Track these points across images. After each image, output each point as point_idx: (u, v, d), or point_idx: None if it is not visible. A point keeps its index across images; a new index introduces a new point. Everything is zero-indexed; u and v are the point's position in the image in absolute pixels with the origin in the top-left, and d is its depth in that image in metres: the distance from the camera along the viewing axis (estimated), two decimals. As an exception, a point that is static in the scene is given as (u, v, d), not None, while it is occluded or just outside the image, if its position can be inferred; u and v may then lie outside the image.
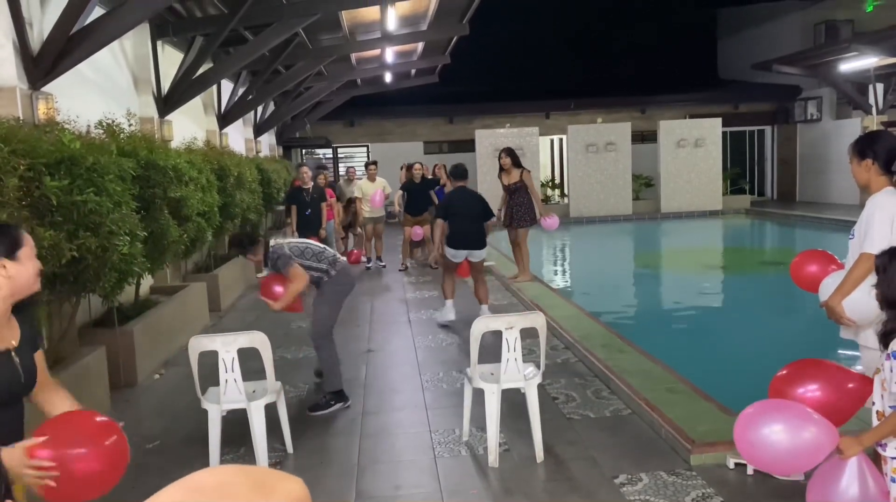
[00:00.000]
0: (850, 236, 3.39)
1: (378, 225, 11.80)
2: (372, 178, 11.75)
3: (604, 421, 4.67)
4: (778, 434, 2.60)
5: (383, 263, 11.97)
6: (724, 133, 19.42)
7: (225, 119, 11.95)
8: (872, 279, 3.17)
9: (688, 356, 6.29)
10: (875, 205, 3.22)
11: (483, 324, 4.15)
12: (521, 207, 9.11)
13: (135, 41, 8.22)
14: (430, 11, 11.43)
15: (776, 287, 10.14)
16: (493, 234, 9.02)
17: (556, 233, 17.31)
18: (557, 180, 21.48)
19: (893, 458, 2.49)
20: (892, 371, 2.42)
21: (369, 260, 12.03)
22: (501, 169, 9.26)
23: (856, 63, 16.01)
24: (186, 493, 0.76)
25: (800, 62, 17.87)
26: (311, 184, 10.24)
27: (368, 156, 21.13)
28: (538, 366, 4.28)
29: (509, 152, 9.17)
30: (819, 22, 20.04)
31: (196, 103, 10.51)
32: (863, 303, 3.14)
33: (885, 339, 2.51)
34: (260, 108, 15.09)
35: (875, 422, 2.56)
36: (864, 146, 3.29)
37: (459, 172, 7.73)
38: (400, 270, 11.35)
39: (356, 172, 13.16)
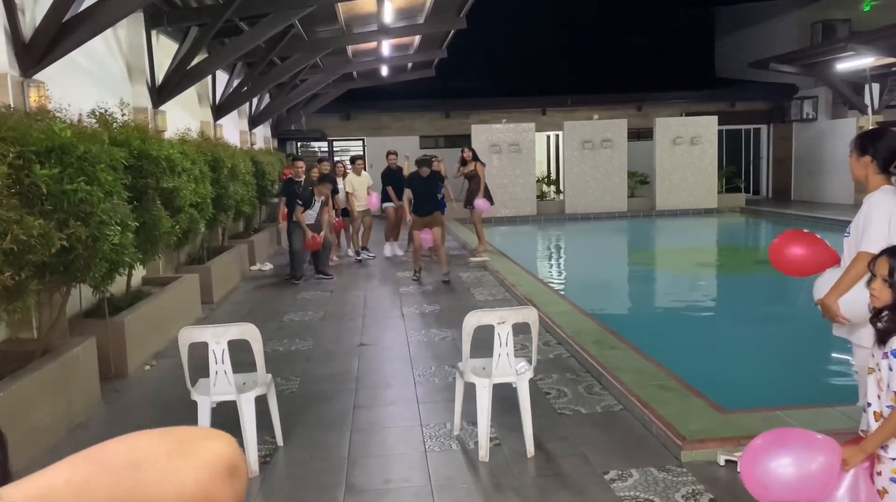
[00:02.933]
0: (846, 234, 3.38)
1: (367, 217, 12.11)
2: (358, 172, 12.06)
3: (595, 417, 4.66)
4: (787, 467, 2.46)
5: (372, 254, 12.13)
6: (720, 131, 19.43)
7: (219, 110, 11.89)
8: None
9: (680, 353, 6.29)
10: (872, 203, 3.20)
11: (475, 319, 4.14)
12: (477, 192, 11.71)
13: (129, 30, 8.16)
14: (427, 4, 11.38)
15: (769, 285, 10.15)
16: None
17: (551, 229, 17.39)
18: (553, 176, 21.47)
19: (894, 459, 2.42)
20: (891, 369, 2.38)
21: (358, 253, 12.11)
22: (464, 162, 11.90)
23: (852, 63, 16.02)
24: (90, 466, 0.66)
25: (796, 61, 17.88)
26: (303, 177, 10.41)
27: (364, 151, 21.07)
28: (530, 362, 4.27)
29: (472, 148, 12.33)
30: (816, 21, 20.04)
31: (190, 94, 10.44)
32: (859, 301, 3.13)
33: (883, 337, 2.45)
34: (255, 100, 15.02)
35: (872, 423, 2.49)
36: (866, 142, 3.26)
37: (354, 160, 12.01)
38: (414, 279, 9.85)
39: (343, 167, 13.16)
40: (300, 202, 9.95)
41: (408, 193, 9.92)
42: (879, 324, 2.48)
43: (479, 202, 11.63)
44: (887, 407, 2.42)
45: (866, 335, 3.23)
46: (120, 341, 5.81)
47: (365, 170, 12.47)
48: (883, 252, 2.58)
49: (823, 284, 3.31)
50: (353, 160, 12.73)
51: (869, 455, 2.45)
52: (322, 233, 10.18)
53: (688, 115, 20.51)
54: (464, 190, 12.05)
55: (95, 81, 7.20)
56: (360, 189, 11.94)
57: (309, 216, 10.03)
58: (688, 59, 25.32)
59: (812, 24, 20.12)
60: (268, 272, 11.23)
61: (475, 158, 11.91)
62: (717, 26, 25.84)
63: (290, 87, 15.03)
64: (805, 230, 3.87)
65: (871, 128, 13.12)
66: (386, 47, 14.10)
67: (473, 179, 11.77)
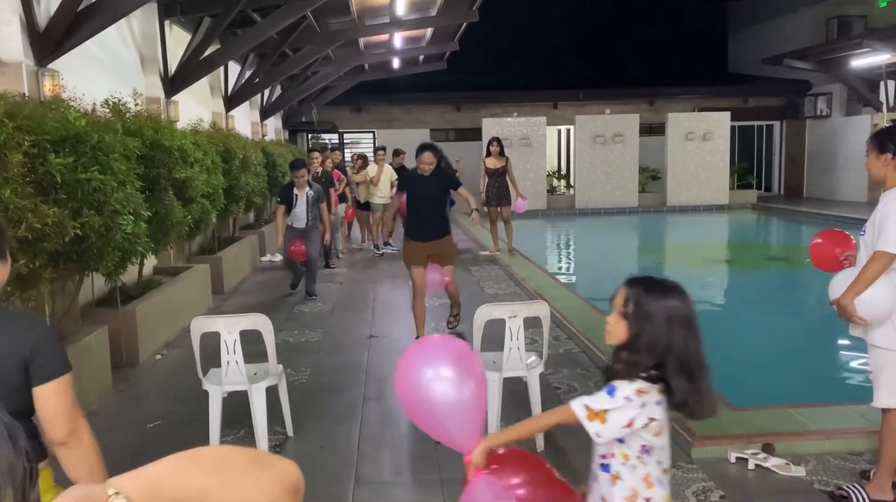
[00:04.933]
0: (862, 233, 3.34)
1: (387, 212, 11.77)
2: (380, 164, 11.79)
3: (605, 412, 4.64)
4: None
5: (395, 248, 12.04)
6: (732, 127, 19.31)
7: (231, 101, 11.91)
8: (885, 277, 3.13)
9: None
10: (889, 201, 3.16)
11: (486, 312, 4.13)
12: (506, 188, 10.78)
13: (142, 20, 8.17)
14: (440, -3, 11.35)
15: (781, 283, 10.11)
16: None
17: (562, 224, 17.33)
18: (564, 171, 21.41)
19: None
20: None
21: (377, 246, 12.05)
22: (489, 154, 10.88)
23: (867, 59, 15.88)
24: (187, 462, 0.84)
25: (811, 57, 17.73)
26: (320, 169, 10.31)
27: (374, 143, 21.07)
28: (540, 356, 4.26)
29: (500, 142, 10.97)
30: (831, 17, 19.86)
31: (203, 85, 10.46)
32: (875, 301, 3.10)
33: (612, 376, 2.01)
34: (267, 92, 15.03)
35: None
36: (885, 140, 3.22)
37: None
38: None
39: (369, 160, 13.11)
40: (279, 199, 8.38)
41: (396, 200, 6.83)
42: (616, 366, 2.02)
43: (521, 202, 10.76)
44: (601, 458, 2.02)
45: (882, 335, 3.21)
46: (131, 330, 5.84)
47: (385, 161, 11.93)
48: (624, 283, 2.13)
49: (839, 284, 3.28)
50: (375, 151, 12.28)
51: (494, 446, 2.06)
52: (316, 243, 8.36)
53: (700, 110, 20.39)
54: (488, 187, 10.82)
55: (109, 71, 7.22)
56: (383, 180, 11.59)
57: (296, 217, 8.26)
58: (701, 55, 25.17)
59: (827, 20, 19.94)
60: (278, 263, 11.24)
61: (502, 152, 10.90)
62: (731, 21, 25.67)
63: (301, 78, 15.03)
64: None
65: (886, 125, 12.98)
66: (398, 39, 14.07)
67: (497, 175, 10.75)
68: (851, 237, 3.73)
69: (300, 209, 8.26)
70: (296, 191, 8.23)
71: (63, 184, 4.27)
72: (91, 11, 5.71)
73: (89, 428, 1.93)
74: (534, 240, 14.62)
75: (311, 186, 8.34)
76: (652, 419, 1.93)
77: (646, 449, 1.96)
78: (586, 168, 18.75)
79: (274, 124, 17.27)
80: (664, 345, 1.92)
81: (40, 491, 1.92)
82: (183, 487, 0.80)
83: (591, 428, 1.94)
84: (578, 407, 1.95)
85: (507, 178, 10.82)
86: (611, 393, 1.94)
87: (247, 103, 13.23)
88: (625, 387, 1.93)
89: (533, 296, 7.85)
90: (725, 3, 25.44)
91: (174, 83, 8.61)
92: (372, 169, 11.79)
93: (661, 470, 1.99)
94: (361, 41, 14.00)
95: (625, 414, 1.91)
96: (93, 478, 1.85)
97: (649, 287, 2.01)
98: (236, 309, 7.84)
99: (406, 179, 6.57)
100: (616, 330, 2.02)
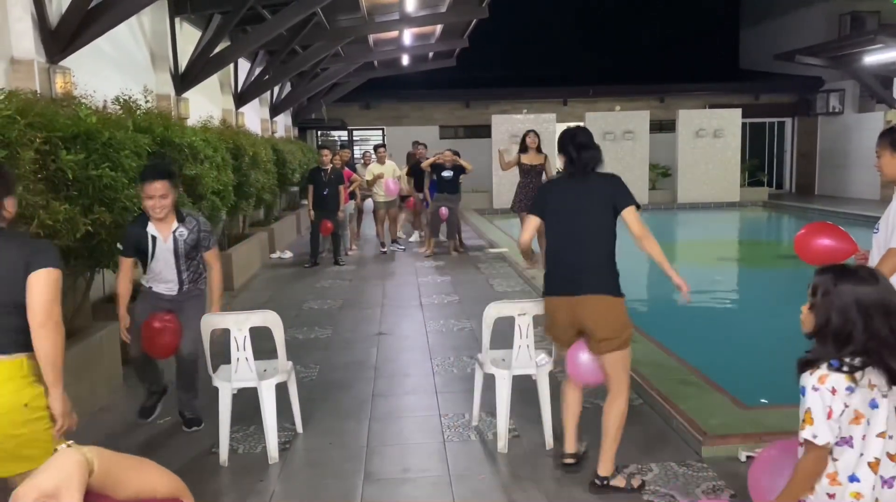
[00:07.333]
0: (875, 231, 3.31)
1: (391, 209, 11.79)
2: (382, 161, 11.68)
3: (615, 410, 4.63)
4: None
5: (402, 246, 12.04)
6: (743, 124, 19.19)
7: (241, 98, 11.94)
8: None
9: (701, 348, 6.23)
10: (903, 198, 3.12)
11: (495, 310, 4.12)
12: None
13: (153, 17, 8.21)
14: (450, -6, 11.34)
15: (792, 280, 10.03)
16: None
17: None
18: (573, 168, 21.33)
19: None
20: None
21: (383, 244, 12.03)
22: (526, 149, 9.07)
23: (881, 55, 15.74)
24: (153, 466, 1.15)
25: (823, 53, 17.59)
26: (329, 166, 10.32)
27: (384, 140, 21.08)
28: (550, 354, 4.25)
29: (538, 135, 9.23)
30: (844, 13, 19.70)
31: (213, 82, 10.49)
32: None
33: (802, 368, 2.11)
34: (276, 89, 15.06)
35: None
36: None
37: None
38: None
39: (371, 157, 13.17)
40: (120, 247, 4.23)
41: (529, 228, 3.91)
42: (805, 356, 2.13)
43: None
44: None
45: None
46: (142, 326, 5.85)
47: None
48: (815, 272, 2.18)
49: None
50: (375, 148, 12.08)
51: None
52: (192, 326, 4.18)
53: (711, 107, 20.28)
54: (520, 189, 9.11)
55: (120, 68, 7.25)
56: (386, 178, 11.50)
57: (157, 277, 4.30)
58: (712, 51, 25.02)
59: (840, 16, 19.78)
60: (287, 260, 11.27)
61: (540, 148, 9.21)
62: (743, 17, 25.51)
63: (311, 75, 15.06)
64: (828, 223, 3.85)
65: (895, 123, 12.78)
66: (407, 36, 14.07)
67: (534, 175, 8.97)
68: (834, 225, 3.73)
69: (164, 263, 4.23)
70: (151, 229, 4.11)
71: (74, 180, 4.29)
72: (102, 9, 5.74)
73: (62, 325, 2.40)
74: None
75: (182, 219, 4.20)
76: (846, 405, 1.98)
77: (845, 441, 2.02)
78: (596, 165, 18.65)
79: (284, 121, 17.31)
80: (851, 333, 1.97)
81: (14, 376, 2.29)
82: (138, 479, 1.02)
83: (806, 433, 2.02)
84: (801, 433, 2.05)
85: (544, 178, 8.93)
86: (803, 393, 2.04)
87: (256, 100, 13.27)
88: (807, 380, 2.03)
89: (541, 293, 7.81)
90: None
91: (184, 80, 8.64)
92: (377, 168, 11.75)
93: (864, 462, 2.03)
94: (371, 38, 14.00)
95: (818, 405, 1.98)
96: (56, 360, 2.34)
97: (838, 275, 2.05)
98: (245, 305, 7.87)
99: (547, 188, 4.04)
100: (807, 319, 2.13)
